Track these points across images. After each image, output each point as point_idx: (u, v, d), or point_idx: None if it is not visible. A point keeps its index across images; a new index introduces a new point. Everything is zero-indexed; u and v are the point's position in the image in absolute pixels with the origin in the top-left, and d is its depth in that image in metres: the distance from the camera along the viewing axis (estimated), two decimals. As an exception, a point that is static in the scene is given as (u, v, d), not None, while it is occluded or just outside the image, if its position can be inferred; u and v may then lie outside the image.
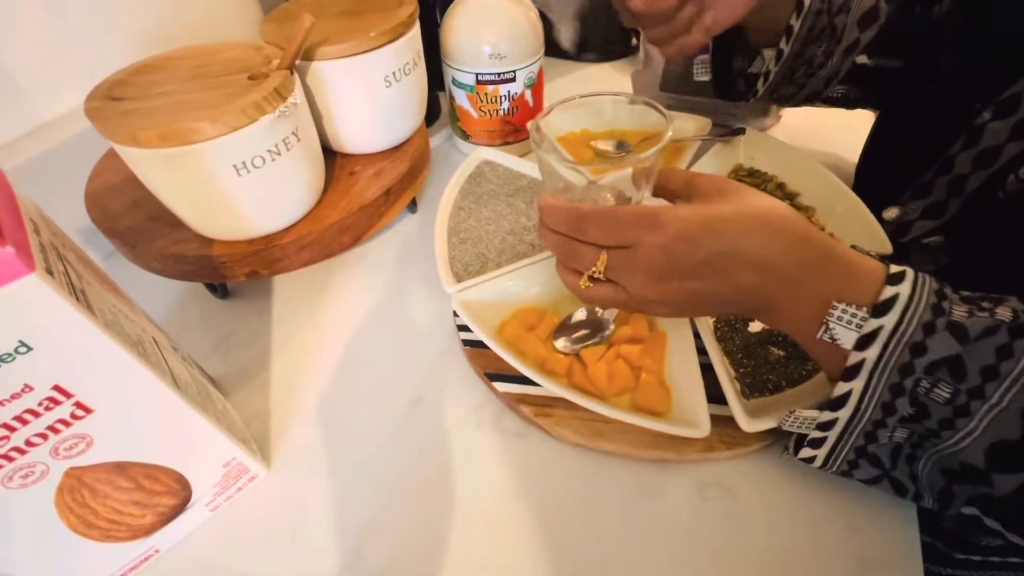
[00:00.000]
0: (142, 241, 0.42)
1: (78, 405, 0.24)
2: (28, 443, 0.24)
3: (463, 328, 0.42)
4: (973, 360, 0.26)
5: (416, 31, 0.48)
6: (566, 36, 0.77)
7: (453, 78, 0.56)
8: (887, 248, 0.42)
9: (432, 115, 0.64)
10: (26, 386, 0.22)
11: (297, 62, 0.41)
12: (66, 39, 0.49)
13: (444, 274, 0.43)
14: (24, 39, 0.47)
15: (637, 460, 0.36)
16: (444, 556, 0.33)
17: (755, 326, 0.40)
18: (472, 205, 0.50)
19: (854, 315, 0.27)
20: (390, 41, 0.44)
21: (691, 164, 0.54)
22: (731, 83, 0.52)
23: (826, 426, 0.30)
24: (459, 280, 0.43)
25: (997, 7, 0.38)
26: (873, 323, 0.27)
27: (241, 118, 0.35)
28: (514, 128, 0.59)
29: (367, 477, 0.36)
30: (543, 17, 0.67)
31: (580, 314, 0.41)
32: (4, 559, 0.28)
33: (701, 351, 0.38)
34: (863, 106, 0.52)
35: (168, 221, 0.43)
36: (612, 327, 0.40)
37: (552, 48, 0.77)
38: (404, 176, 0.49)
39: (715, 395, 0.35)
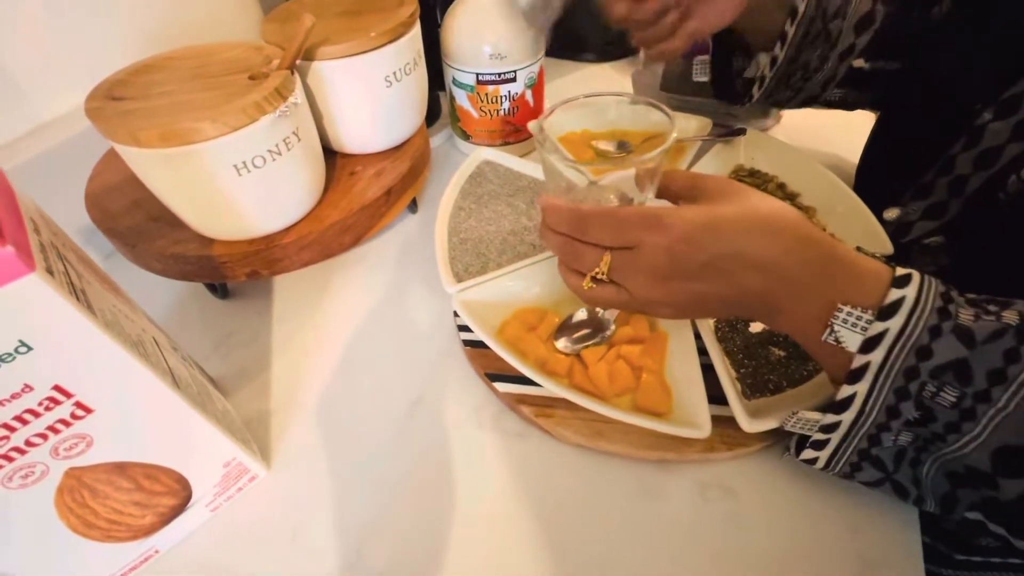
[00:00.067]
0: (142, 241, 0.42)
1: (78, 405, 0.24)
2: (28, 443, 0.24)
3: (463, 328, 0.42)
4: (980, 364, 0.25)
5: (416, 31, 0.48)
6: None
7: (453, 78, 0.56)
8: (888, 248, 0.42)
9: (433, 115, 0.64)
10: (26, 386, 0.22)
11: (298, 62, 0.41)
12: (66, 39, 0.49)
13: (444, 274, 0.43)
14: (24, 39, 0.47)
15: (638, 460, 0.36)
16: (444, 556, 0.32)
17: (756, 326, 0.40)
18: (473, 205, 0.50)
19: (859, 318, 0.27)
20: (390, 41, 0.44)
21: (692, 164, 0.54)
22: (730, 84, 0.52)
23: (829, 428, 0.30)
24: (460, 280, 0.43)
25: (997, 7, 0.38)
26: (879, 326, 0.27)
27: (242, 118, 0.35)
28: (515, 128, 0.59)
29: (367, 477, 0.36)
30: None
31: (581, 314, 0.41)
32: (4, 559, 0.27)
33: (702, 351, 0.38)
34: (862, 108, 0.52)
35: (168, 221, 0.43)
36: (613, 327, 0.40)
37: (552, 48, 0.77)
38: (405, 176, 0.49)
39: (716, 395, 0.35)
